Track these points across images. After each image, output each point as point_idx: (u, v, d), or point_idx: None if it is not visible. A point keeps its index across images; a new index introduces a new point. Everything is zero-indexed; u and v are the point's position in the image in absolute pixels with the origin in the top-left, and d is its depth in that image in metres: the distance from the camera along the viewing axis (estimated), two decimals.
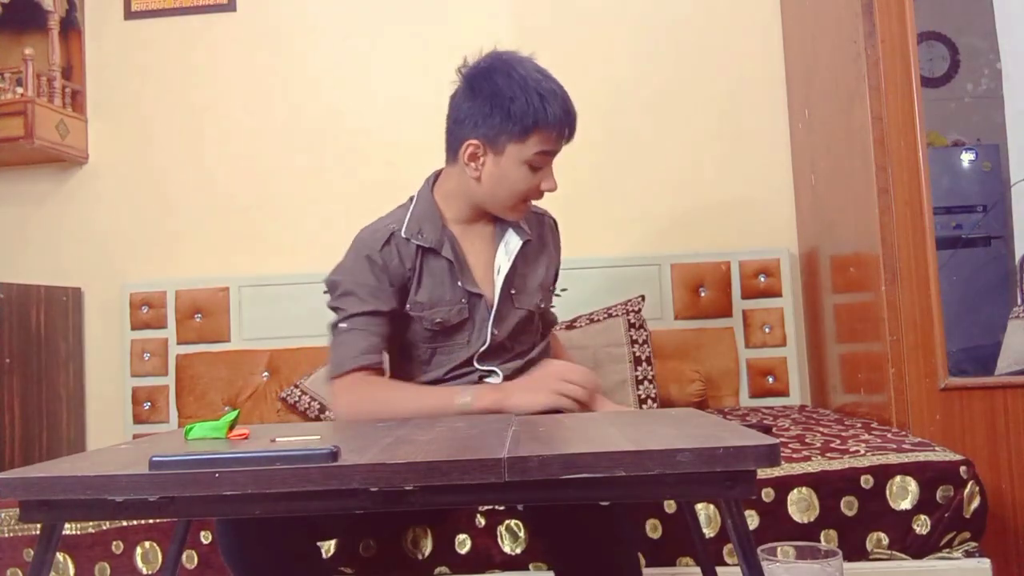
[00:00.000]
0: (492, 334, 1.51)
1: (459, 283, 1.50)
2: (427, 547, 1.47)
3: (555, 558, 1.33)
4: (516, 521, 1.47)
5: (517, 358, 1.55)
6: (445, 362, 1.51)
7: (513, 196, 1.50)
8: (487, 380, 1.51)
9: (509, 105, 1.44)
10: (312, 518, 1.17)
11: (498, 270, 1.54)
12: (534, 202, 1.65)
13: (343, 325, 1.47)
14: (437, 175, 1.60)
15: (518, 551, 1.47)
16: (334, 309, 1.49)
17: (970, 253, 3.30)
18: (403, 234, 1.50)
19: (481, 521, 1.48)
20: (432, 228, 1.52)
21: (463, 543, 1.47)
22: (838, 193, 2.19)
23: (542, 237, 1.65)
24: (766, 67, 2.62)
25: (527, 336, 1.59)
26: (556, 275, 1.70)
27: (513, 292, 1.55)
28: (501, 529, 1.47)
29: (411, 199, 1.59)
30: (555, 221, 1.73)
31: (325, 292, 1.53)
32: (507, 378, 1.50)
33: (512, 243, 1.56)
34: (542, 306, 1.61)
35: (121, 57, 2.76)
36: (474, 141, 1.47)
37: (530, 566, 1.47)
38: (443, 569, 1.48)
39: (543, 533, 1.38)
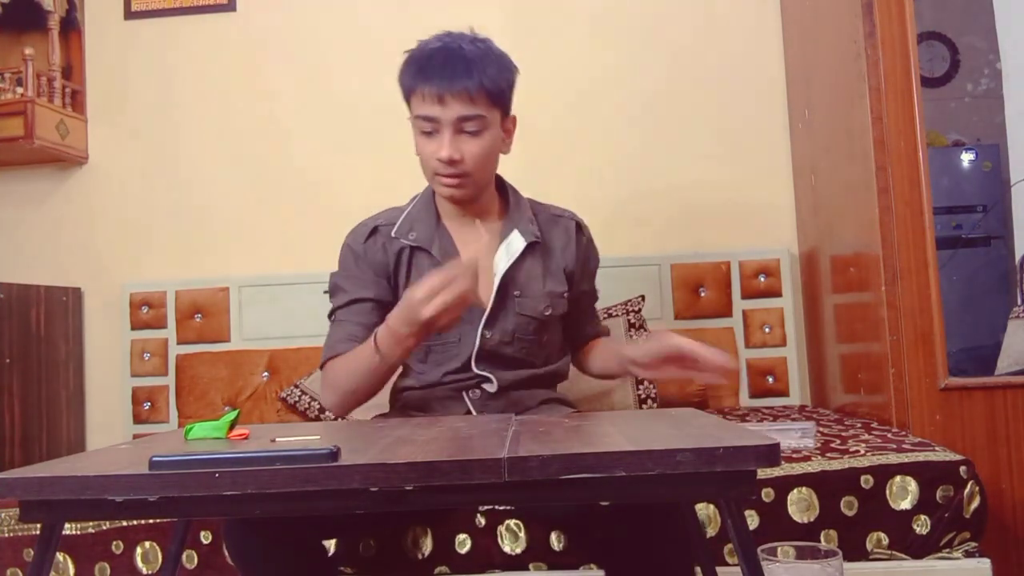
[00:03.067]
0: (483, 336, 1.47)
1: None
2: (427, 547, 1.47)
3: (604, 558, 1.29)
4: (516, 521, 1.47)
5: (521, 367, 1.50)
6: (442, 361, 1.50)
7: (425, 165, 1.47)
8: (484, 386, 1.49)
9: (402, 63, 1.45)
10: (317, 517, 1.17)
11: (496, 270, 1.48)
12: (559, 204, 1.62)
13: (331, 319, 1.51)
14: None
15: (518, 551, 1.47)
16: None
17: (970, 253, 3.31)
18: (393, 233, 1.50)
19: (481, 521, 1.48)
20: (425, 227, 1.51)
21: (463, 543, 1.47)
22: (838, 193, 2.19)
23: (554, 240, 1.57)
24: (766, 67, 2.62)
25: (534, 347, 1.52)
26: (581, 282, 1.59)
27: (517, 295, 1.50)
28: (501, 529, 1.47)
29: (413, 199, 1.58)
30: (579, 224, 1.62)
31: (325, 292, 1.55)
32: (504, 389, 1.48)
33: (515, 244, 1.50)
34: (547, 314, 1.51)
35: (121, 57, 2.75)
36: None
37: (530, 566, 1.47)
38: (443, 569, 1.48)
39: (589, 533, 1.34)
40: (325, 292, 1.55)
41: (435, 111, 1.40)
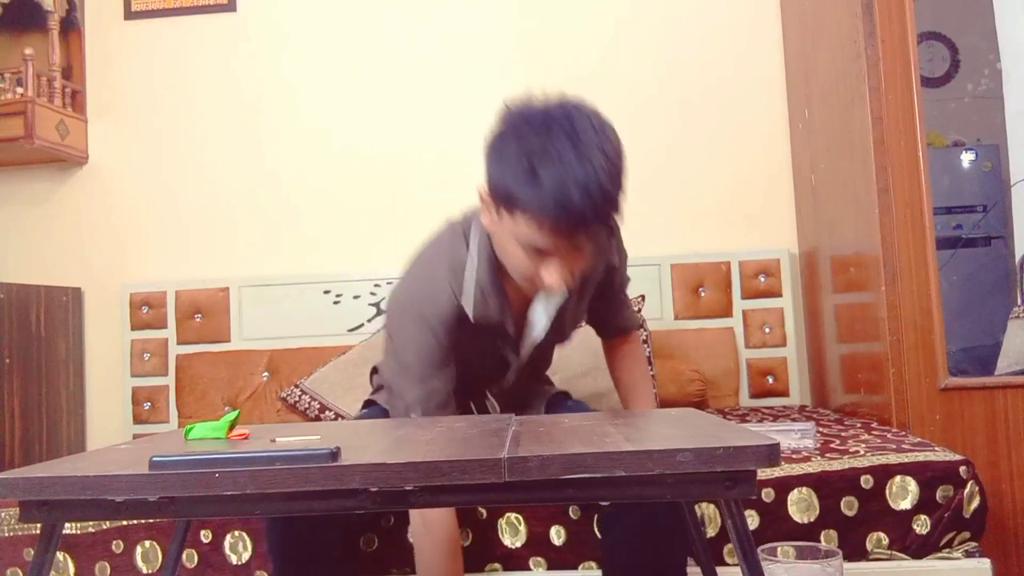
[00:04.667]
0: (509, 380, 1.46)
1: (498, 344, 1.38)
2: None
3: (605, 555, 1.32)
4: (516, 515, 1.48)
5: (527, 378, 1.51)
6: (462, 374, 1.38)
7: (514, 270, 1.24)
8: (486, 402, 1.49)
9: (504, 165, 1.14)
10: (352, 516, 1.16)
11: (533, 329, 1.37)
12: None
13: (412, 416, 1.30)
14: None
15: (518, 544, 1.47)
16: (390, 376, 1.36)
17: (970, 253, 3.30)
18: (472, 319, 1.30)
19: (482, 513, 1.48)
20: (497, 301, 1.31)
21: (463, 537, 1.47)
22: (838, 193, 2.19)
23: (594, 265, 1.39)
24: (766, 67, 2.62)
25: (543, 362, 1.55)
26: (608, 281, 1.47)
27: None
28: (501, 523, 1.48)
29: (465, 237, 1.33)
30: (610, 228, 1.37)
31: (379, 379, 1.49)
32: (498, 398, 1.49)
33: (553, 300, 1.34)
34: (569, 335, 1.48)
35: (121, 57, 2.76)
36: (484, 185, 1.20)
37: (530, 560, 1.47)
38: None
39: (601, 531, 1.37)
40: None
41: (549, 244, 1.16)
